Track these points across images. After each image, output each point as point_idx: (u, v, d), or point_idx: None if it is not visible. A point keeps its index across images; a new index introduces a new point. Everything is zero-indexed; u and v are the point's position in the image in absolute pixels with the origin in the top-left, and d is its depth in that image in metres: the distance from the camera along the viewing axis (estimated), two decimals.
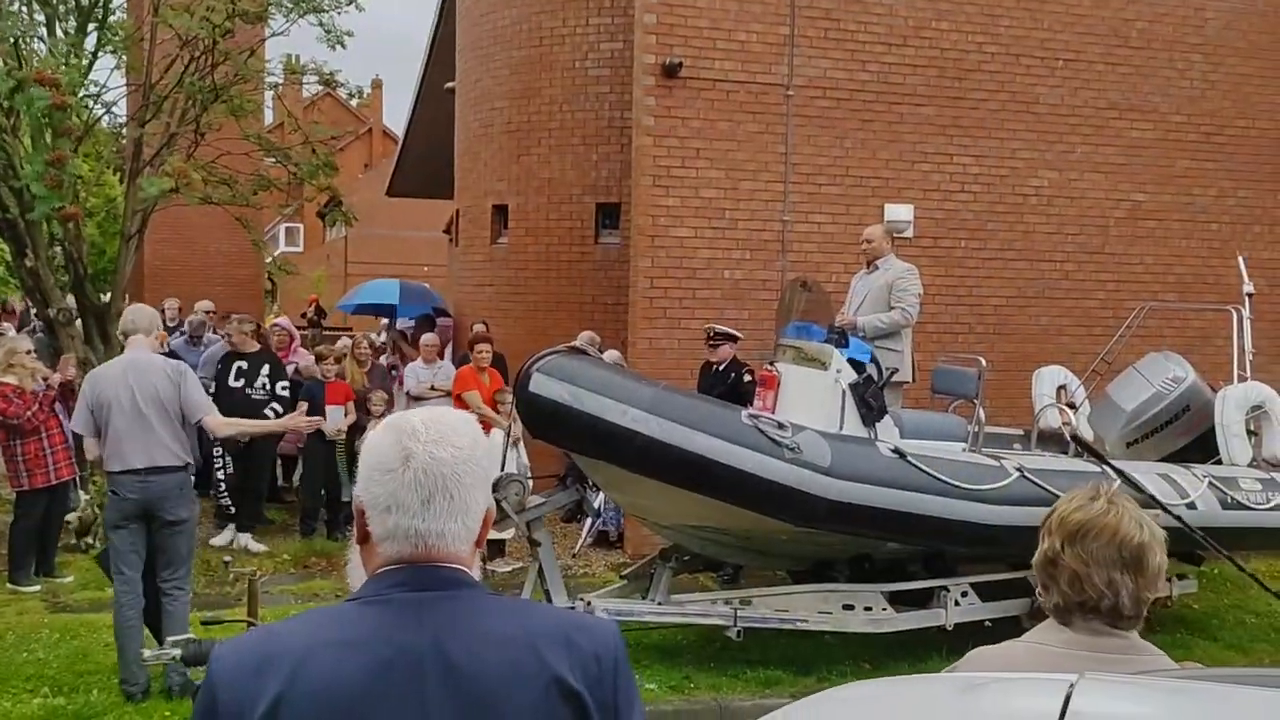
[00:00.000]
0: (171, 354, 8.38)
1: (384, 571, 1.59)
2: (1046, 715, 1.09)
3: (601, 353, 8.06)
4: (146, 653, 5.28)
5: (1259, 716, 1.16)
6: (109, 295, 10.31)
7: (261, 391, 9.04)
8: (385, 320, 16.08)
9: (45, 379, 8.02)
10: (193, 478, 5.98)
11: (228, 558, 7.57)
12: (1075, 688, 1.15)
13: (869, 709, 1.34)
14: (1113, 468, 2.56)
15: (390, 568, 1.58)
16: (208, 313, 11.51)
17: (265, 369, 9.12)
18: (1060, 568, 1.93)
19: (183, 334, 11.03)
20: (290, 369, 9.80)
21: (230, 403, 8.25)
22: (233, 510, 9.15)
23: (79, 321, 9.89)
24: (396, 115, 52.36)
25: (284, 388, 9.14)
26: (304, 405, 9.38)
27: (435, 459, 1.56)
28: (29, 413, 7.63)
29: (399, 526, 1.56)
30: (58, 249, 9.91)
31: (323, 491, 9.49)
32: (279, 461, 10.56)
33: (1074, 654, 1.88)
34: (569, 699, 1.54)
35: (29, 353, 7.97)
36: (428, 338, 10.73)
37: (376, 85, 43.84)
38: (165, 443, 5.52)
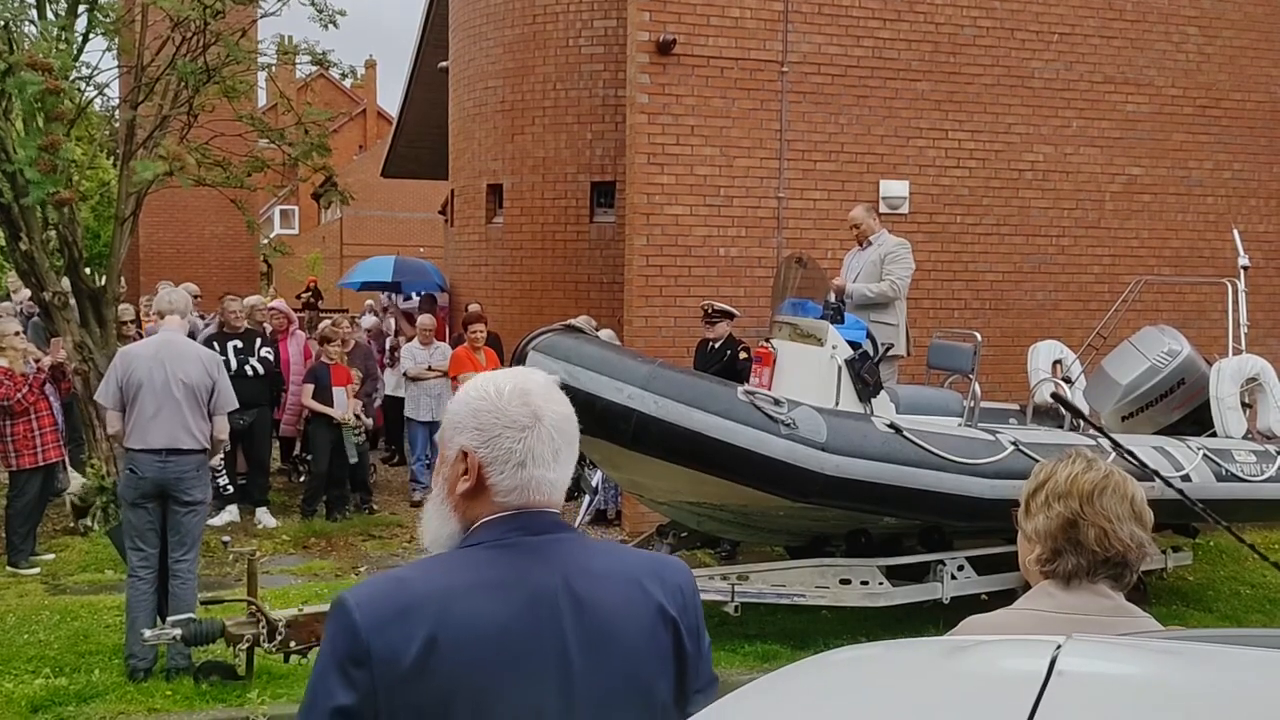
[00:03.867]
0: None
1: (495, 519, 1.68)
2: (1032, 675, 1.10)
3: (596, 331, 8.06)
4: (147, 633, 5.32)
5: (1247, 675, 1.17)
6: (104, 279, 10.27)
7: (261, 368, 9.28)
8: (370, 302, 15.97)
9: (36, 361, 8.03)
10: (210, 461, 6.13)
11: (226, 538, 7.59)
12: (1062, 649, 1.15)
13: (858, 670, 1.35)
14: (1109, 438, 2.56)
15: (502, 514, 1.68)
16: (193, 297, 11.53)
17: (259, 346, 9.32)
18: (1083, 527, 1.97)
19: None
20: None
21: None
22: (229, 490, 9.19)
23: (74, 305, 9.87)
24: (391, 96, 52.19)
25: (268, 352, 9.38)
26: (309, 388, 9.42)
27: (561, 415, 1.71)
28: (20, 394, 7.65)
29: (533, 478, 1.68)
30: (52, 233, 9.87)
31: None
32: (278, 444, 10.59)
33: (1065, 617, 1.91)
34: (668, 624, 1.72)
35: (18, 334, 7.99)
36: (423, 320, 10.72)
37: (370, 66, 43.66)
38: (188, 426, 5.68)
